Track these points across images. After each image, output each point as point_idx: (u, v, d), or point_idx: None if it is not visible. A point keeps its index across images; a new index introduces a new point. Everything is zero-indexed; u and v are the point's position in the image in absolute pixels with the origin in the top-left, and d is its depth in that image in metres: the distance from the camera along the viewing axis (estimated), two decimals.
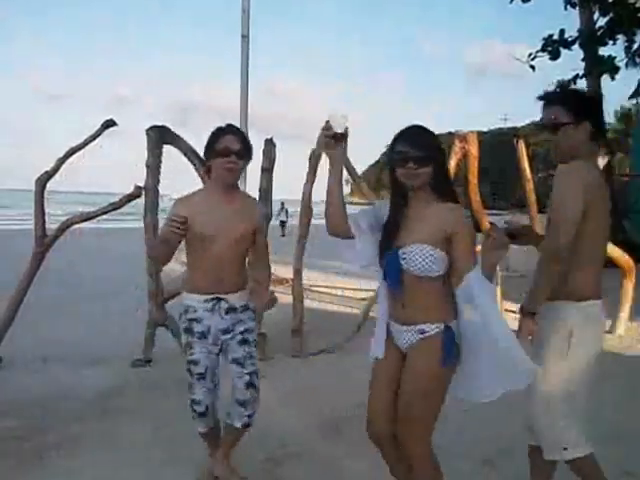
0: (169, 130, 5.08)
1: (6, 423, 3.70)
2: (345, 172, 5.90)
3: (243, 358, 2.75)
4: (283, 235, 21.06)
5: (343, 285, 9.55)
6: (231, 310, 2.75)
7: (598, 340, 2.32)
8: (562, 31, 9.25)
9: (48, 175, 4.96)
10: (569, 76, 9.41)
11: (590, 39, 9.06)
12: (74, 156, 4.96)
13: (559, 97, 2.34)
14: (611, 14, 8.93)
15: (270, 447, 3.37)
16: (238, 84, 8.47)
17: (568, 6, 9.41)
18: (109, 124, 4.95)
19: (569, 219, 2.16)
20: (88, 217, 5.18)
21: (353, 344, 5.74)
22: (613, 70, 8.77)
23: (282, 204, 24.57)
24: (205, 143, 2.73)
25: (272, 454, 3.30)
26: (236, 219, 2.73)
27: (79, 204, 38.84)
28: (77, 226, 5.31)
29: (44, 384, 4.46)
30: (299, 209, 5.70)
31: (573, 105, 2.24)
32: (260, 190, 5.24)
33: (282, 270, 8.60)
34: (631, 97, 9.30)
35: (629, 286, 6.49)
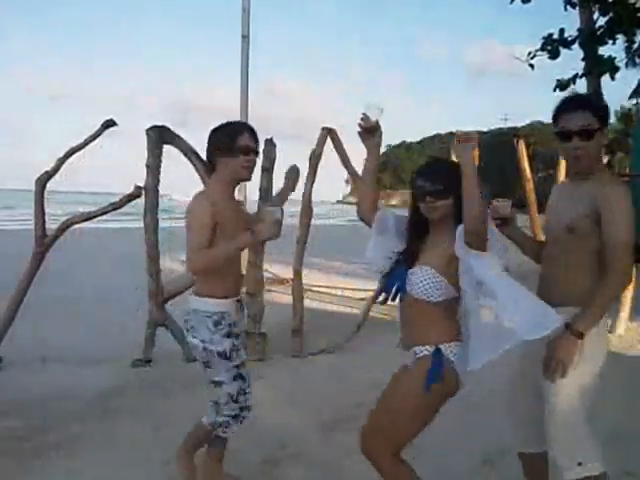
0: (169, 130, 5.08)
1: (6, 423, 3.70)
2: (345, 172, 5.93)
3: None
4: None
5: (343, 285, 9.55)
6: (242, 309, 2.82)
7: (605, 347, 2.26)
8: (562, 30, 9.23)
9: (48, 175, 4.96)
10: (569, 75, 9.39)
11: (590, 39, 9.04)
12: (74, 156, 4.96)
13: (588, 103, 2.24)
14: (611, 14, 8.92)
15: (270, 447, 3.37)
16: (238, 84, 8.47)
17: (568, 6, 9.39)
18: (109, 124, 4.95)
19: (630, 241, 2.11)
20: (88, 217, 5.18)
21: (353, 344, 5.75)
22: (613, 70, 8.75)
23: None
24: (213, 140, 2.62)
25: (272, 454, 3.30)
26: (245, 216, 2.81)
27: (79, 204, 38.77)
28: (77, 226, 5.31)
29: (44, 384, 4.46)
30: (299, 209, 5.70)
31: (599, 111, 2.18)
32: (260, 190, 5.24)
33: (282, 270, 8.60)
34: (631, 97, 9.28)
35: (629, 286, 6.49)
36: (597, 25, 9.35)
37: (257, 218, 2.75)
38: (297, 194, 5.58)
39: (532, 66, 9.62)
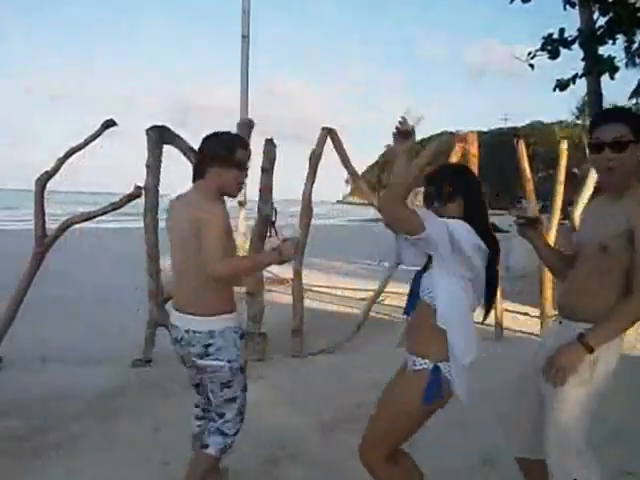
0: (169, 130, 5.08)
1: (6, 423, 3.70)
2: (345, 172, 5.93)
3: None
4: (270, 235, 20.94)
5: (343, 285, 9.56)
6: None
7: (612, 372, 2.20)
8: (562, 30, 9.23)
9: (48, 175, 4.96)
10: (569, 75, 9.40)
11: (590, 39, 9.05)
12: (74, 156, 4.97)
13: (622, 115, 2.19)
14: (611, 14, 8.93)
15: (270, 448, 3.37)
16: (238, 84, 8.49)
17: (568, 6, 9.39)
18: (109, 124, 4.95)
19: None
20: (88, 217, 5.18)
21: (353, 344, 5.75)
22: (613, 70, 8.76)
23: (271, 203, 24.39)
24: (209, 148, 2.50)
25: (272, 455, 3.30)
26: None
27: (79, 204, 38.80)
28: (77, 226, 5.31)
29: (44, 384, 4.46)
30: (299, 209, 5.70)
31: (634, 123, 2.12)
32: (260, 190, 5.25)
33: (282, 270, 8.60)
34: (631, 97, 9.28)
35: None
36: (597, 25, 9.35)
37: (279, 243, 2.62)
38: (297, 194, 5.58)
39: (532, 66, 9.62)
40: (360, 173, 6.65)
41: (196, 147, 2.64)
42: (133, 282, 7.27)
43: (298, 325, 5.52)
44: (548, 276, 6.33)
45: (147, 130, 4.99)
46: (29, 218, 5.22)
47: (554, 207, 6.41)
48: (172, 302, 2.67)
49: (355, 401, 4.01)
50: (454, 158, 5.86)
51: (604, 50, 9.22)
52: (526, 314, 7.35)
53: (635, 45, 9.69)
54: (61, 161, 4.95)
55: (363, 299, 7.73)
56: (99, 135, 4.97)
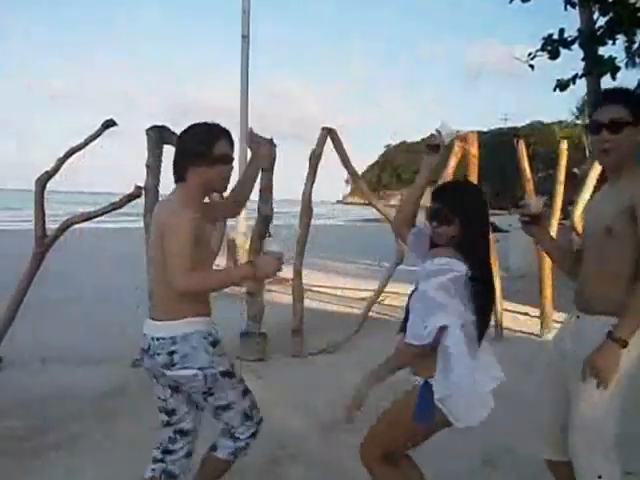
0: (169, 130, 5.08)
1: (6, 423, 3.70)
2: (345, 172, 5.93)
3: None
4: (270, 235, 20.90)
5: (343, 285, 9.56)
6: None
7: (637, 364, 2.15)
8: (562, 30, 9.24)
9: (48, 175, 4.96)
10: (569, 75, 9.41)
11: (590, 39, 9.06)
12: (74, 156, 4.96)
13: (621, 96, 2.15)
14: (611, 14, 8.94)
15: (270, 448, 3.36)
16: (238, 84, 8.48)
17: (568, 6, 9.40)
18: (109, 124, 4.95)
19: None
20: (88, 217, 5.18)
21: (353, 344, 5.74)
22: (614, 70, 8.77)
23: (271, 203, 24.34)
24: (183, 147, 2.31)
25: (272, 455, 3.30)
26: (215, 213, 2.52)
27: (79, 204, 38.78)
28: (77, 226, 5.31)
29: (44, 384, 4.46)
30: (299, 209, 5.70)
31: (634, 105, 2.09)
32: (260, 190, 5.24)
33: (282, 270, 8.55)
34: None
35: None
36: (597, 25, 9.37)
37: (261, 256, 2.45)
38: (297, 194, 5.58)
39: (532, 66, 9.64)
40: (360, 173, 6.65)
41: None
42: (133, 282, 7.25)
43: (298, 325, 5.52)
44: (548, 275, 6.33)
45: (147, 130, 4.98)
46: (31, 219, 5.20)
47: (554, 207, 6.42)
48: None
49: None
50: (454, 158, 5.86)
51: (604, 50, 9.24)
52: (526, 314, 7.35)
53: (635, 45, 9.70)
54: (61, 161, 4.95)
55: (363, 299, 7.73)
56: (99, 135, 4.97)
